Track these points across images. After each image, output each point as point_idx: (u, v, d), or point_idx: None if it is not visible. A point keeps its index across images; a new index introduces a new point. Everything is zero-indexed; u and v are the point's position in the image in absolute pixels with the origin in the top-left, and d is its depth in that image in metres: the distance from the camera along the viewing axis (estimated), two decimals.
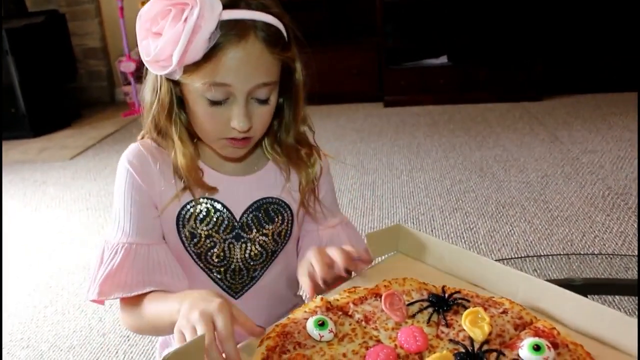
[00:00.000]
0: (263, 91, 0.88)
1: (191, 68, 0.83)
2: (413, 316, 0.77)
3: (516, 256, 2.08)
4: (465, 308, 0.76)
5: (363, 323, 0.76)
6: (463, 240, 2.24)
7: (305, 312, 0.76)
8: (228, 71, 0.83)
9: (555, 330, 0.72)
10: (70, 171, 3.52)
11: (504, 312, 0.76)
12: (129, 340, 1.82)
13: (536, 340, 0.68)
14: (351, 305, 0.80)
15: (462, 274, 0.93)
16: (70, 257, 2.41)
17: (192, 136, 0.97)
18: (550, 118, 3.75)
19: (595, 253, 2.06)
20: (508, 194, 2.64)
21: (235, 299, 1.03)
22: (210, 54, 0.82)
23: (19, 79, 4.18)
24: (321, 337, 0.72)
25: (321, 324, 0.73)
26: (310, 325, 0.73)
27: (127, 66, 4.67)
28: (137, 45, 0.86)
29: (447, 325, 0.74)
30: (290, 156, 1.02)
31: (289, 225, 1.04)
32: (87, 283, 0.95)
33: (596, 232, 2.23)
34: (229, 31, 0.82)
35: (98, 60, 5.17)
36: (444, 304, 0.78)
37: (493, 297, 0.80)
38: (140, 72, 0.90)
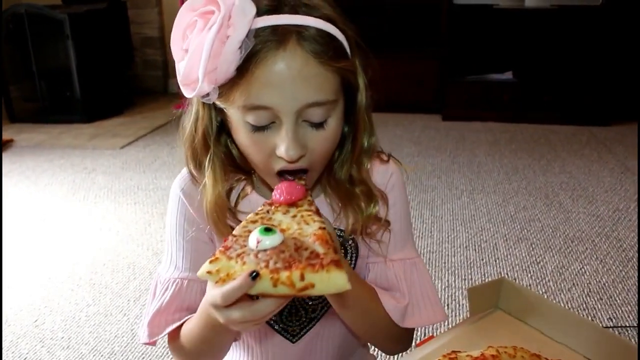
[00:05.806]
0: (317, 112, 0.70)
1: (226, 88, 0.69)
2: None
3: (596, 303, 1.92)
4: None
5: None
6: (529, 275, 2.08)
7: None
8: (266, 88, 0.67)
9: None
10: (120, 160, 3.48)
11: None
12: None
13: None
14: None
15: (575, 344, 0.80)
16: (115, 254, 2.34)
17: (244, 169, 0.84)
18: (619, 145, 3.54)
19: None
20: (577, 226, 2.47)
21: (293, 342, 0.91)
22: (245, 69, 0.67)
23: (77, 63, 4.19)
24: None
25: (268, 230, 0.60)
26: (257, 237, 0.59)
27: None
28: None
29: None
30: (339, 194, 0.84)
31: (352, 260, 0.89)
32: (141, 321, 0.87)
33: None
34: (266, 40, 0.67)
35: (155, 49, 5.16)
36: None
37: None
38: None
